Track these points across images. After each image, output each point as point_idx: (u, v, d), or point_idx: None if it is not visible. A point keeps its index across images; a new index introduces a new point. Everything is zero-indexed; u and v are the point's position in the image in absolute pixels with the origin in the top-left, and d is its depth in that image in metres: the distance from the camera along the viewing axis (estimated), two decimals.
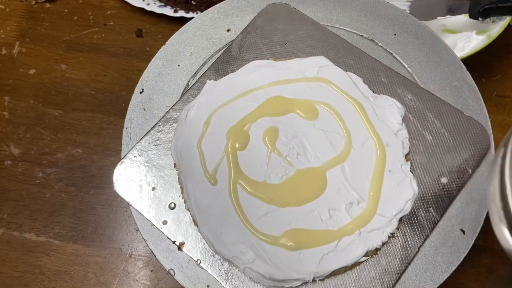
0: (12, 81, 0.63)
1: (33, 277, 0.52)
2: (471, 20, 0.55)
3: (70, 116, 0.60)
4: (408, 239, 0.38)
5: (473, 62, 0.50)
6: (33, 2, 0.67)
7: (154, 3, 0.63)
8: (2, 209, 0.55)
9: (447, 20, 0.59)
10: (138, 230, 0.41)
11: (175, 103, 0.45)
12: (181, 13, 0.62)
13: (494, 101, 0.58)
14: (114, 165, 0.42)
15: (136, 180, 0.42)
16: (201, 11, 0.61)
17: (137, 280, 0.51)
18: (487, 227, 0.51)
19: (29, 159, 0.58)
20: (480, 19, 0.53)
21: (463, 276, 0.50)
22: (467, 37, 0.56)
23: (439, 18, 0.57)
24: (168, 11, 0.62)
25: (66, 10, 0.67)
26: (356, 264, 0.38)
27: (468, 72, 0.44)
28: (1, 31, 0.66)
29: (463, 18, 0.57)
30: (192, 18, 0.51)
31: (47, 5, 0.67)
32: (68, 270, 0.52)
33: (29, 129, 0.59)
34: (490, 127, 0.42)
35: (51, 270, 0.52)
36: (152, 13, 0.63)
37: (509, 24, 0.53)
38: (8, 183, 0.57)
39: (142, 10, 0.63)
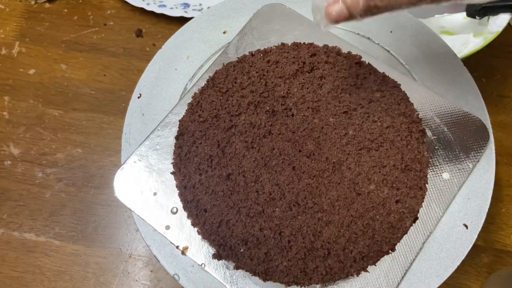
0: (12, 81, 0.62)
1: (33, 277, 0.51)
2: (469, 22, 0.55)
3: (70, 116, 0.60)
4: (412, 236, 0.38)
5: (473, 62, 0.50)
6: (33, 2, 0.67)
7: (154, 3, 0.63)
8: (2, 209, 0.55)
9: (446, 22, 0.59)
10: (138, 230, 0.41)
11: (174, 107, 0.45)
12: (180, 13, 0.62)
13: (494, 101, 0.59)
14: (114, 165, 0.42)
15: (137, 185, 0.41)
16: None
17: (137, 280, 0.51)
18: (487, 227, 0.51)
19: (29, 159, 0.57)
20: (477, 17, 0.53)
21: (463, 276, 0.50)
22: (464, 39, 0.56)
23: (436, 16, 0.58)
24: (168, 11, 0.62)
25: (66, 10, 0.67)
26: None
27: (465, 67, 0.44)
28: (1, 31, 0.66)
29: (462, 20, 0.57)
30: (191, 18, 0.51)
31: (47, 5, 0.67)
32: (68, 270, 0.52)
33: (29, 129, 0.59)
34: (489, 120, 0.42)
35: (51, 270, 0.52)
36: (152, 13, 0.63)
37: (508, 24, 0.53)
38: (8, 183, 0.56)
39: (142, 10, 0.64)
